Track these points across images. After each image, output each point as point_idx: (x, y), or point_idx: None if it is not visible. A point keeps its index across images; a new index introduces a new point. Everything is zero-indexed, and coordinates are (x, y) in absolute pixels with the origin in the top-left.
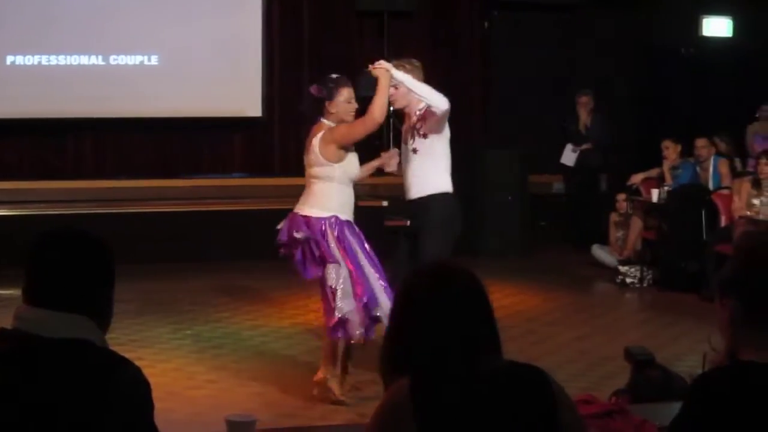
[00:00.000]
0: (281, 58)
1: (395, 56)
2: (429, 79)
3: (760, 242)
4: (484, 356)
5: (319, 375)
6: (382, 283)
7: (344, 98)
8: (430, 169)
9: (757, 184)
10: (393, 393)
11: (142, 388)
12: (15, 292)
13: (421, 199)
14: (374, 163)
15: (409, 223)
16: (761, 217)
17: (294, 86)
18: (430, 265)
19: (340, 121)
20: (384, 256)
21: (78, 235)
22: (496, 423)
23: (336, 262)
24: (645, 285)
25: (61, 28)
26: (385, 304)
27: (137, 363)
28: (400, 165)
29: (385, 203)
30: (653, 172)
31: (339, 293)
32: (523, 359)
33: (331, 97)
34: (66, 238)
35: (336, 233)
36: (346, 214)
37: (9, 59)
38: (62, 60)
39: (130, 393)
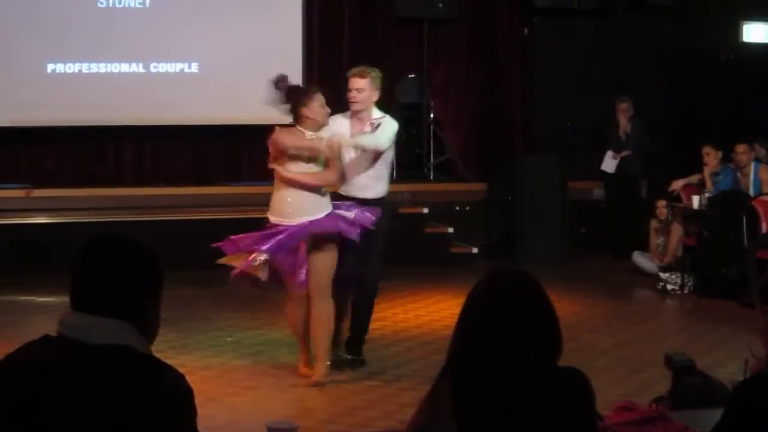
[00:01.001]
0: (321, 65)
1: (433, 64)
2: (468, 87)
3: None
4: (532, 361)
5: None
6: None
7: (320, 104)
8: (383, 172)
9: None
10: (434, 393)
11: (185, 395)
12: (56, 299)
13: (376, 200)
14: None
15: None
16: None
17: (334, 94)
18: (499, 272)
19: (319, 126)
20: (425, 262)
21: (126, 242)
22: (535, 424)
23: None
24: (685, 292)
25: (102, 36)
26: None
27: (178, 370)
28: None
29: (425, 210)
30: (693, 179)
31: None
32: (564, 365)
33: (308, 102)
34: (114, 245)
35: None
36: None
37: (50, 67)
38: (103, 68)
39: (174, 399)
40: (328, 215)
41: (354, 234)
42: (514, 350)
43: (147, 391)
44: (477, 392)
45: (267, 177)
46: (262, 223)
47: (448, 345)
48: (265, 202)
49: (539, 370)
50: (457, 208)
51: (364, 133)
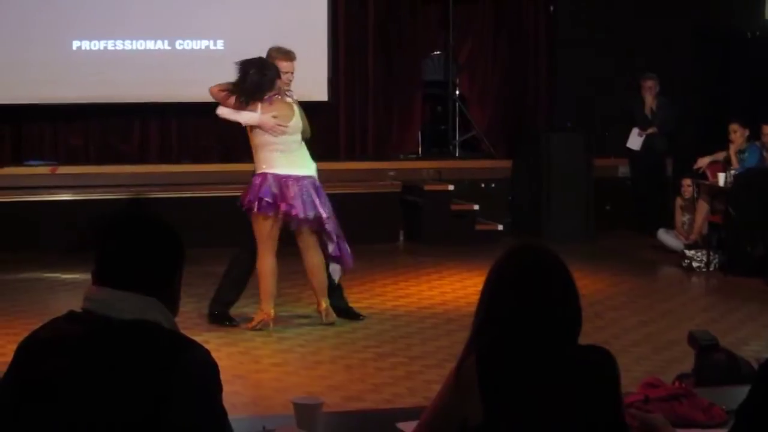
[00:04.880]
0: (346, 42)
1: (459, 41)
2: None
3: None
4: (555, 337)
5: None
6: None
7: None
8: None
9: None
10: (460, 368)
11: (211, 370)
12: (81, 276)
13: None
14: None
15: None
16: None
17: (360, 71)
18: (521, 248)
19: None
20: (450, 239)
21: (148, 217)
22: (560, 400)
23: None
24: (711, 269)
25: (127, 13)
26: None
27: (204, 346)
28: None
29: (451, 187)
30: (719, 156)
31: None
32: (589, 343)
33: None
34: (136, 220)
35: None
36: None
37: (75, 44)
38: (128, 45)
39: (199, 374)
40: None
41: None
42: (536, 326)
43: (173, 366)
44: (502, 368)
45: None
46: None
47: (472, 321)
48: None
49: (563, 346)
50: (483, 185)
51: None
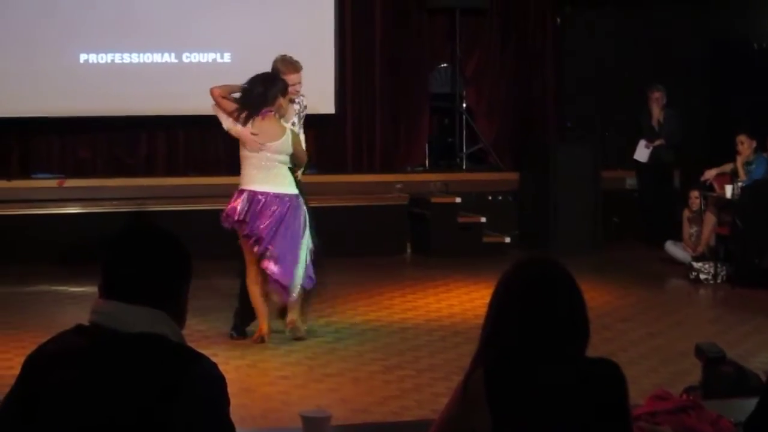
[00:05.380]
0: (354, 55)
1: (465, 54)
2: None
3: None
4: (563, 350)
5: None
6: None
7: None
8: None
9: None
10: (468, 381)
11: (218, 383)
12: (89, 289)
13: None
14: None
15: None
16: None
17: (367, 83)
18: (528, 261)
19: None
20: (457, 251)
21: (155, 231)
22: (568, 414)
23: None
24: (718, 281)
25: (135, 26)
26: None
27: (211, 359)
28: None
29: (458, 199)
30: (726, 168)
31: None
32: (597, 355)
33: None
34: (143, 233)
35: None
36: None
37: (83, 57)
38: (135, 58)
39: (206, 387)
40: None
41: None
42: (544, 339)
43: (180, 380)
44: (510, 381)
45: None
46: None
47: (480, 334)
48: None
49: (570, 358)
50: (490, 197)
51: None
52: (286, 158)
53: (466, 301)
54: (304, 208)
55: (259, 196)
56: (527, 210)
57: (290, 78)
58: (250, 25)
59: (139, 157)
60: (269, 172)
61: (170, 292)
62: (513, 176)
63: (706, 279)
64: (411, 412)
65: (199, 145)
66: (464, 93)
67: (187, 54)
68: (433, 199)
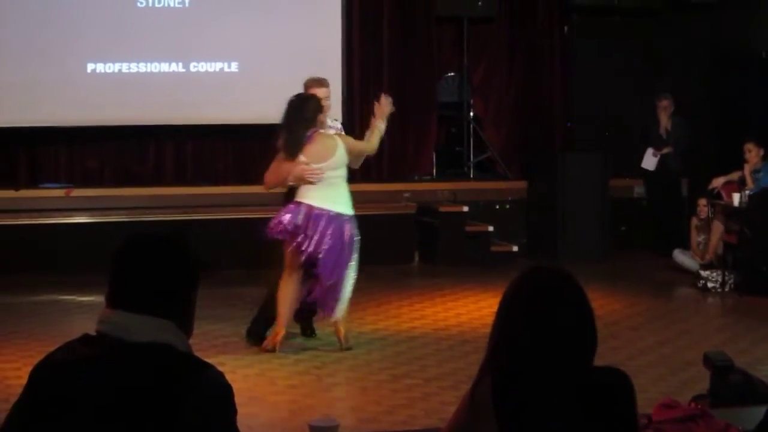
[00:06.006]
0: (361, 63)
1: (473, 62)
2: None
3: None
4: (570, 359)
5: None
6: None
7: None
8: None
9: None
10: (475, 390)
11: (225, 392)
12: (97, 299)
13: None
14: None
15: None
16: None
17: (374, 92)
18: (535, 269)
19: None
20: (465, 260)
21: (162, 240)
22: (576, 422)
23: None
24: (727, 289)
25: (142, 35)
26: None
27: (219, 368)
28: None
29: (466, 208)
30: (734, 176)
31: None
32: (605, 364)
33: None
34: (150, 243)
35: None
36: None
37: (90, 67)
38: (143, 67)
39: (213, 397)
40: None
41: None
42: (551, 348)
43: (187, 389)
44: (517, 390)
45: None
46: None
47: (487, 343)
48: None
49: (578, 368)
50: (498, 206)
51: None
52: (344, 171)
53: (473, 310)
54: (356, 230)
55: (317, 212)
56: (535, 219)
57: (318, 92)
58: (258, 35)
59: (147, 166)
60: (328, 189)
61: (177, 302)
62: (521, 185)
63: (714, 287)
64: (419, 421)
65: (207, 154)
66: (472, 102)
67: (195, 64)
68: (441, 208)
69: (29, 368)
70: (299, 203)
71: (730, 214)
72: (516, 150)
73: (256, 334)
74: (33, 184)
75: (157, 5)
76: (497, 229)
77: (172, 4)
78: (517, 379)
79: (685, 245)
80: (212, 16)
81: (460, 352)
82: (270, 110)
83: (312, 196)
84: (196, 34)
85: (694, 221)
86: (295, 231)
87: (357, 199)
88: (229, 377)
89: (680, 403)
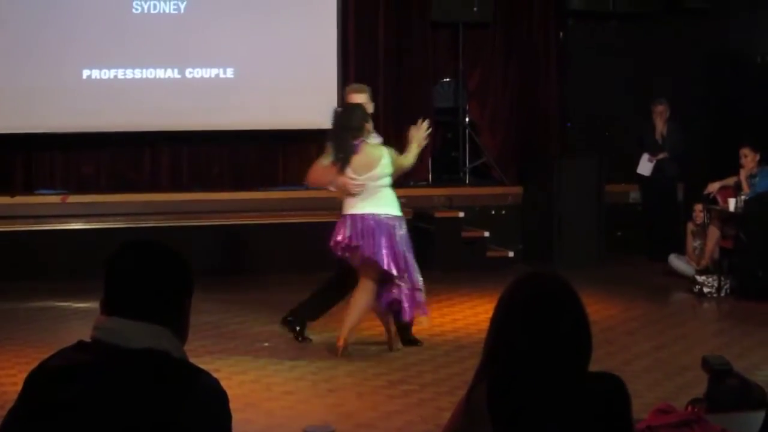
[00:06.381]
0: (357, 69)
1: (469, 68)
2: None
3: None
4: (565, 364)
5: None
6: None
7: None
8: None
9: None
10: (471, 395)
11: (220, 399)
12: (92, 305)
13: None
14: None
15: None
16: None
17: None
18: (530, 275)
19: None
20: (461, 266)
21: (156, 246)
22: (571, 427)
23: None
24: (722, 294)
25: (137, 42)
26: None
27: (214, 375)
28: None
29: (461, 214)
30: (730, 181)
31: None
32: (601, 369)
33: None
34: (145, 249)
35: None
36: None
37: (85, 73)
38: (138, 73)
39: (208, 403)
40: None
41: None
42: (546, 353)
43: (182, 395)
44: (512, 396)
45: (302, 181)
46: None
47: (482, 348)
48: (299, 206)
49: (573, 373)
50: (493, 211)
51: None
52: (389, 179)
53: (470, 316)
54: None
55: (369, 220)
56: (531, 224)
57: (358, 98)
58: (253, 41)
59: (143, 172)
60: (374, 196)
61: (172, 308)
62: (517, 190)
63: (710, 292)
64: (415, 427)
65: (203, 160)
66: (467, 107)
67: (190, 70)
68: (437, 214)
69: (24, 375)
70: (344, 217)
71: (725, 219)
72: (512, 155)
73: (291, 324)
74: (28, 190)
75: (152, 11)
76: (493, 234)
77: (167, 11)
78: (513, 384)
79: (681, 250)
80: (208, 22)
81: (456, 358)
82: (266, 116)
83: (357, 206)
84: (191, 40)
85: (690, 226)
86: (351, 242)
87: None
88: (224, 383)
89: (676, 408)
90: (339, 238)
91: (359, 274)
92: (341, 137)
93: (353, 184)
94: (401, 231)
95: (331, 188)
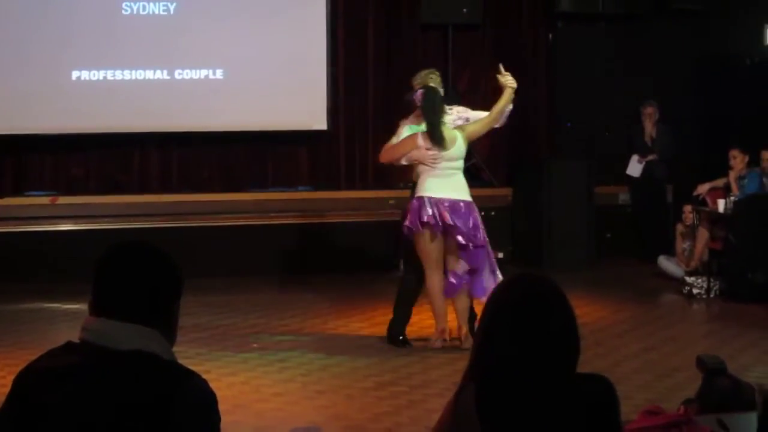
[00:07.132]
0: (346, 71)
1: (458, 70)
2: (493, 93)
3: None
4: (554, 366)
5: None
6: None
7: None
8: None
9: None
10: (459, 397)
11: (209, 400)
12: (81, 307)
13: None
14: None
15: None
16: None
17: (359, 99)
18: (519, 277)
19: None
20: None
21: (145, 248)
22: (559, 429)
23: None
24: (712, 296)
25: (127, 43)
26: None
27: (203, 376)
28: None
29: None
30: (719, 182)
31: None
32: (591, 371)
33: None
34: (133, 251)
35: None
36: None
37: (75, 74)
38: (127, 75)
39: (196, 405)
40: None
41: None
42: (535, 355)
43: (171, 397)
44: (500, 397)
45: (291, 183)
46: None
47: (471, 350)
48: (289, 207)
49: (562, 374)
50: (483, 213)
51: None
52: (461, 163)
53: None
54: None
55: (438, 201)
56: (520, 226)
57: (433, 82)
58: (243, 42)
59: (132, 174)
60: (448, 180)
61: (161, 310)
62: (506, 192)
63: (699, 294)
64: (405, 428)
65: (192, 162)
66: None
67: (180, 71)
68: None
69: (13, 376)
70: (421, 198)
71: (715, 220)
72: (501, 157)
73: (397, 336)
74: (18, 191)
75: (142, 13)
76: None
77: (157, 12)
78: (501, 386)
79: (671, 252)
80: (197, 24)
81: (446, 359)
82: (255, 117)
83: (431, 189)
84: (181, 41)
85: (680, 228)
86: (435, 221)
87: (342, 206)
88: (213, 385)
89: (664, 410)
90: (425, 218)
91: (425, 257)
92: (432, 120)
93: (431, 156)
94: (475, 214)
95: (404, 161)
